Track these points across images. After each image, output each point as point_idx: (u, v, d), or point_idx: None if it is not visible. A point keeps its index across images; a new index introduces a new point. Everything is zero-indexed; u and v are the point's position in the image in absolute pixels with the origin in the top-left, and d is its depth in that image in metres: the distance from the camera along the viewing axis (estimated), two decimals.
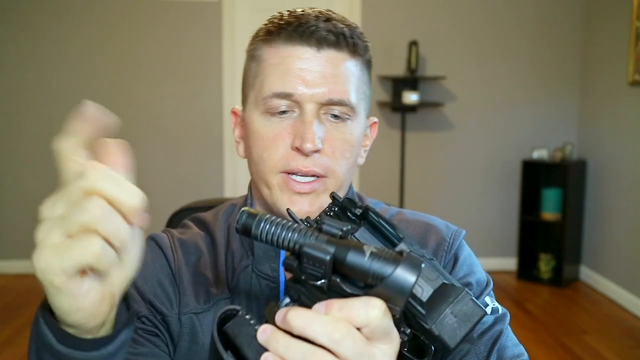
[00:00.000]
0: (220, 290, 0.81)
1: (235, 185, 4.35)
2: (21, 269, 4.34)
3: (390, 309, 0.45)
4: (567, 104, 4.48)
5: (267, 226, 0.49)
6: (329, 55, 0.76)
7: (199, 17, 4.26)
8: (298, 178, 0.76)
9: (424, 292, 0.50)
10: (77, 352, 0.51)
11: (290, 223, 0.49)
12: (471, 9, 4.37)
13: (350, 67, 0.77)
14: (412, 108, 4.32)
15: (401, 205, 4.24)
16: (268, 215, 0.50)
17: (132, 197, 0.46)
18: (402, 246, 0.52)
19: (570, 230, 4.19)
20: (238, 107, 0.87)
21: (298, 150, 0.74)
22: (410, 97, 4.15)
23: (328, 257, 0.46)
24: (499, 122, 4.47)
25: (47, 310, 0.51)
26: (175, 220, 1.23)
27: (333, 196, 0.60)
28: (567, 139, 4.44)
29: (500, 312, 0.80)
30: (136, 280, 0.78)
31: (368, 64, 0.81)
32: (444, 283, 0.50)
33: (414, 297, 0.49)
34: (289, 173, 0.76)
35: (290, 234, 0.48)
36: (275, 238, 0.49)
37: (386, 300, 0.45)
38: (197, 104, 4.34)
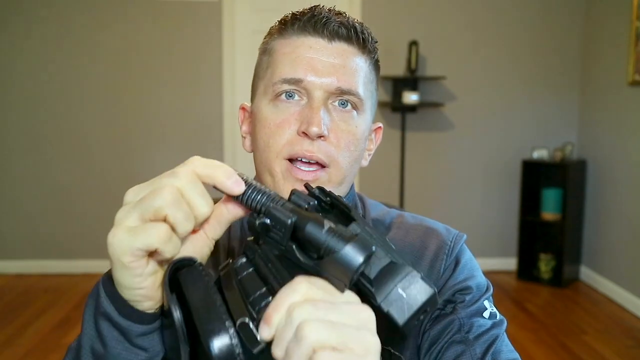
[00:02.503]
0: None
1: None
2: (21, 269, 4.34)
3: (336, 284, 0.48)
4: (567, 104, 4.48)
5: (247, 189, 0.54)
6: (340, 48, 0.78)
7: (199, 17, 4.26)
8: (302, 166, 0.77)
9: (372, 271, 0.51)
10: (135, 325, 0.58)
11: (265, 189, 0.54)
12: (471, 9, 4.37)
13: (359, 62, 0.79)
14: (412, 108, 4.32)
15: (401, 205, 4.23)
16: (252, 181, 0.55)
17: (204, 206, 0.53)
18: (354, 226, 0.53)
19: (570, 230, 4.19)
20: (247, 103, 0.89)
21: (304, 134, 0.75)
22: (410, 97, 4.15)
23: (289, 221, 0.50)
24: (499, 122, 4.47)
25: (109, 284, 0.57)
26: None
27: (306, 185, 0.61)
28: (567, 139, 4.44)
29: (498, 317, 0.80)
30: None
31: (376, 65, 0.83)
32: (392, 262, 0.51)
33: (364, 275, 0.50)
34: (292, 160, 0.77)
35: (261, 197, 0.53)
36: (249, 200, 0.54)
37: (332, 274, 0.47)
38: (197, 104, 4.33)
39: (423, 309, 0.50)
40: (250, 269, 0.52)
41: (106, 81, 4.28)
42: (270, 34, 0.83)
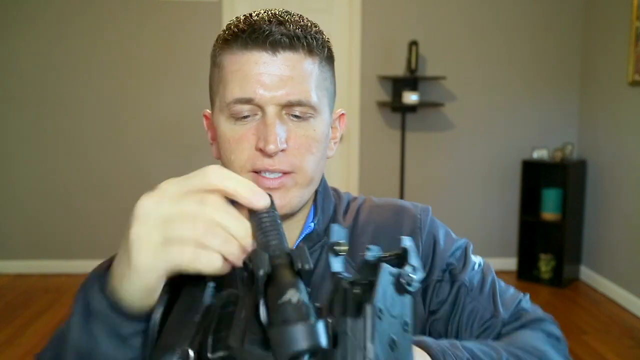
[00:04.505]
0: None
1: None
2: (21, 269, 4.34)
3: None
4: (567, 104, 4.48)
5: (266, 216, 0.53)
6: (286, 57, 0.77)
7: (199, 17, 4.26)
8: (267, 175, 0.78)
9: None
10: (133, 322, 0.56)
11: (277, 225, 0.52)
12: (471, 9, 4.37)
13: (307, 67, 0.79)
14: (412, 108, 4.32)
15: None
16: (274, 212, 0.54)
17: (242, 229, 0.51)
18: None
19: (570, 230, 4.19)
20: (209, 110, 0.91)
21: (262, 151, 0.77)
22: (410, 97, 4.15)
23: (261, 272, 0.46)
24: (499, 122, 4.47)
25: (103, 282, 0.57)
26: None
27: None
28: (567, 139, 4.44)
29: (483, 263, 0.89)
30: None
31: (328, 60, 0.83)
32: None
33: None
34: (257, 172, 0.79)
35: (263, 233, 0.51)
36: (260, 227, 0.52)
37: (274, 346, 0.42)
38: (197, 104, 4.33)
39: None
40: (230, 308, 0.50)
41: (106, 81, 4.28)
42: (218, 44, 0.84)
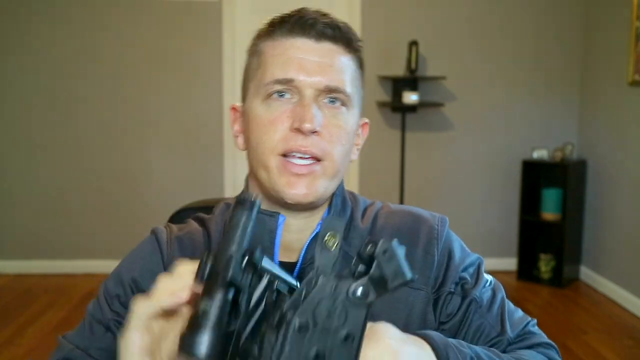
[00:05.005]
0: None
1: (235, 185, 4.35)
2: (21, 269, 4.34)
3: None
4: (567, 104, 4.48)
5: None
6: (327, 47, 0.81)
7: (199, 17, 4.26)
8: (296, 160, 0.79)
9: None
10: None
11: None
12: (471, 9, 4.36)
13: (345, 61, 0.83)
14: (412, 108, 4.32)
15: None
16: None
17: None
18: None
19: (570, 230, 4.19)
20: (238, 103, 0.91)
21: (297, 131, 0.78)
22: (410, 97, 4.15)
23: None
24: (499, 122, 4.47)
25: None
26: (175, 221, 1.22)
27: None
28: (567, 139, 4.44)
29: (494, 282, 0.90)
30: (134, 272, 0.84)
31: (361, 64, 0.87)
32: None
33: None
34: (287, 156, 0.79)
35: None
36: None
37: None
38: (197, 104, 4.33)
39: None
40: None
41: (105, 81, 4.28)
42: (259, 36, 0.86)
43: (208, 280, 0.50)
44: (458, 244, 0.91)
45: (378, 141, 4.34)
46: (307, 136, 0.78)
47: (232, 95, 4.24)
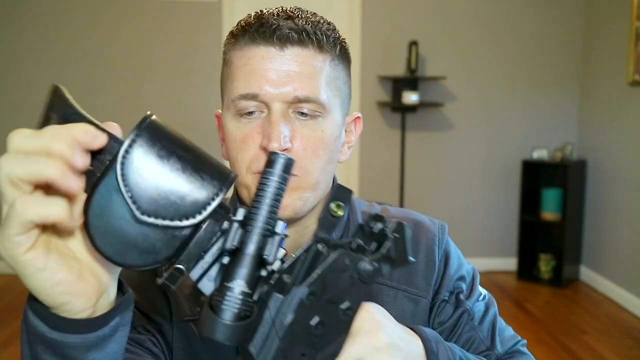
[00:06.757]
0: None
1: (234, 185, 4.36)
2: None
3: None
4: (567, 104, 4.48)
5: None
6: (294, 53, 0.75)
7: (199, 17, 4.26)
8: None
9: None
10: (70, 335, 0.49)
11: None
12: (471, 9, 4.37)
13: (316, 64, 0.76)
14: (412, 108, 4.32)
15: (401, 205, 4.23)
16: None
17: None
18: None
19: (570, 230, 4.19)
20: (220, 110, 0.88)
21: (266, 150, 0.73)
22: (410, 97, 4.15)
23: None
24: (499, 122, 4.47)
25: (34, 302, 0.50)
26: None
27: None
28: (567, 139, 4.44)
29: (487, 297, 0.89)
30: (132, 274, 0.80)
31: (341, 59, 0.80)
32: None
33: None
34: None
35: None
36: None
37: None
38: (197, 104, 4.34)
39: None
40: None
41: (105, 81, 4.28)
42: (227, 43, 0.81)
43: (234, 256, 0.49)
44: (455, 253, 0.90)
45: (378, 141, 4.34)
46: None
47: None
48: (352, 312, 0.52)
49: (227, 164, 0.82)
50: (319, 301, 0.51)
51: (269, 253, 0.49)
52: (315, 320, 0.51)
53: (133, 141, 0.47)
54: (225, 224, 0.49)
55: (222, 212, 0.50)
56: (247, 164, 0.76)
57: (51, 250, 0.47)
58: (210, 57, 4.28)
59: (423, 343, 0.63)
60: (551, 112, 4.48)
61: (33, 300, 0.50)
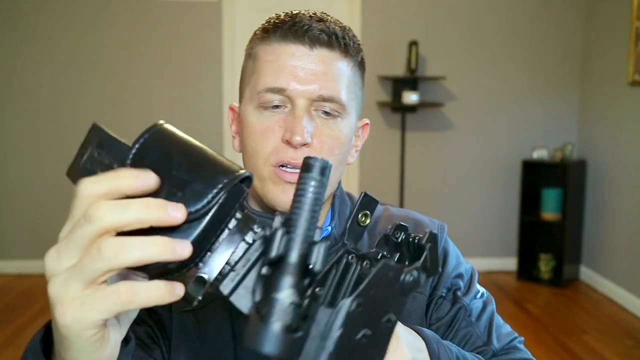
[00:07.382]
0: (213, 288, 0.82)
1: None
2: (21, 269, 4.34)
3: None
4: (567, 104, 4.48)
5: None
6: (321, 54, 0.79)
7: (199, 17, 4.26)
8: (288, 169, 0.78)
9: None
10: None
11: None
12: (471, 9, 4.37)
13: (341, 67, 0.80)
14: (412, 108, 4.32)
15: (401, 205, 4.23)
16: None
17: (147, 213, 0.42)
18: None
19: (570, 230, 4.19)
20: (236, 103, 0.90)
21: (288, 143, 0.77)
22: (410, 97, 4.15)
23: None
24: (499, 122, 4.47)
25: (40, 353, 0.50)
26: None
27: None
28: (567, 139, 4.44)
29: (485, 295, 0.90)
30: None
31: (360, 66, 0.84)
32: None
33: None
34: (279, 166, 0.78)
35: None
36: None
37: None
38: (197, 104, 4.34)
39: None
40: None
41: (106, 81, 4.28)
42: (254, 39, 0.84)
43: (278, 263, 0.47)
44: (454, 252, 0.91)
45: (378, 141, 4.34)
46: (297, 148, 0.77)
47: (232, 95, 4.25)
48: (391, 323, 0.51)
49: (238, 157, 0.83)
50: (365, 313, 0.49)
51: (315, 261, 0.47)
52: (360, 334, 0.49)
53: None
54: (250, 235, 0.48)
55: (244, 219, 0.48)
56: (265, 156, 0.78)
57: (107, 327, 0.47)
58: (211, 57, 4.28)
59: (426, 345, 0.63)
60: (551, 112, 4.48)
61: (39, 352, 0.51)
